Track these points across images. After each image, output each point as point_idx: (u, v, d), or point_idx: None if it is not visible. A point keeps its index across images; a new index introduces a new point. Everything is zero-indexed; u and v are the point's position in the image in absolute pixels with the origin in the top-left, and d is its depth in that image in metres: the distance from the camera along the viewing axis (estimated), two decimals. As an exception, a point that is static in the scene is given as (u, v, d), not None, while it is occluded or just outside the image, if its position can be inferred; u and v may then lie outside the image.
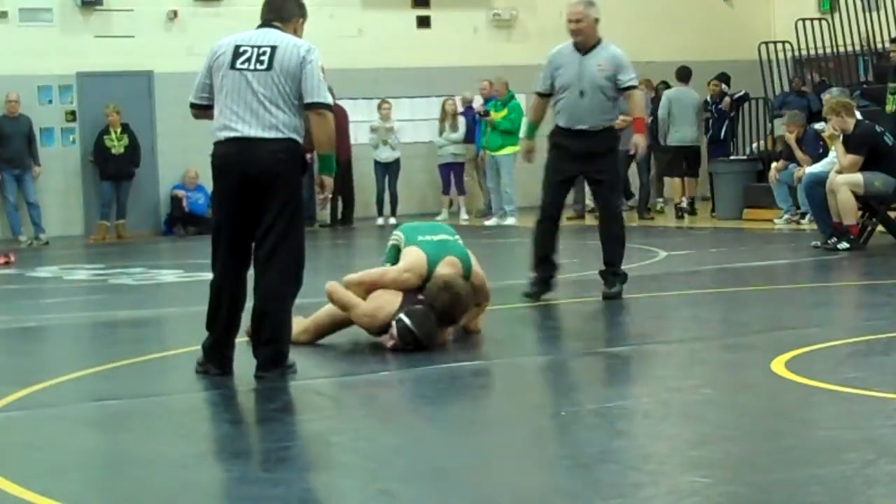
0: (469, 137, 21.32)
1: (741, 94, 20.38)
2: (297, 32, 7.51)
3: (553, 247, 10.51)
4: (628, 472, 5.17)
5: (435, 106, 21.98)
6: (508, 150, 20.09)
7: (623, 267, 10.41)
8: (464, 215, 21.61)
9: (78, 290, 13.59)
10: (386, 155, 21.43)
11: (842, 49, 20.81)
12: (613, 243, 10.41)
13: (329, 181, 7.52)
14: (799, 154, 16.61)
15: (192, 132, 21.80)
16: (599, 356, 7.99)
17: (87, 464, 5.86)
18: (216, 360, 7.50)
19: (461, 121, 21.48)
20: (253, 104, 7.26)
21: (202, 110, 7.59)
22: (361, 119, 22.30)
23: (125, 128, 20.80)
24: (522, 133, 10.81)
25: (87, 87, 21.06)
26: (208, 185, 23.92)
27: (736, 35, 23.61)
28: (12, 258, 16.13)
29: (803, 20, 21.07)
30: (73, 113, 21.16)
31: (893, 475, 4.95)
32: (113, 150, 20.69)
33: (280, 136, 7.25)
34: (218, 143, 7.39)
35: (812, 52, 21.05)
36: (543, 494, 4.99)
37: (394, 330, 8.05)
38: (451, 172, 21.65)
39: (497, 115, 20.06)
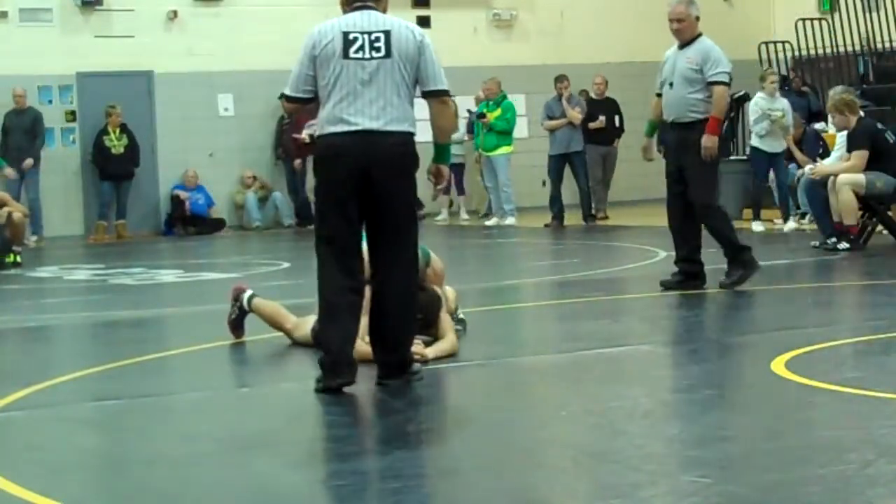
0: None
1: (741, 94, 20.35)
2: (385, 9, 7.08)
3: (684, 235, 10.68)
4: (628, 472, 5.16)
5: (435, 106, 21.89)
6: (503, 150, 20.04)
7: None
8: (464, 215, 21.59)
9: (78, 290, 13.59)
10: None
11: (842, 49, 20.82)
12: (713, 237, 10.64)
13: (446, 170, 7.46)
14: (798, 154, 16.60)
15: (191, 132, 21.95)
16: (599, 356, 7.98)
17: (87, 464, 5.86)
18: (342, 375, 6.89)
19: (461, 122, 21.40)
20: (372, 95, 6.86)
21: (302, 103, 7.11)
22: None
23: (123, 128, 20.81)
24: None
25: (87, 87, 21.08)
26: (208, 186, 23.87)
27: (736, 35, 23.57)
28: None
29: (803, 20, 21.07)
30: (73, 113, 21.18)
31: (893, 475, 4.95)
32: (113, 150, 20.71)
33: (401, 128, 6.96)
34: (330, 135, 6.90)
35: (812, 52, 21.05)
36: (543, 494, 4.98)
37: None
38: (450, 173, 21.57)
39: (492, 116, 20.01)
